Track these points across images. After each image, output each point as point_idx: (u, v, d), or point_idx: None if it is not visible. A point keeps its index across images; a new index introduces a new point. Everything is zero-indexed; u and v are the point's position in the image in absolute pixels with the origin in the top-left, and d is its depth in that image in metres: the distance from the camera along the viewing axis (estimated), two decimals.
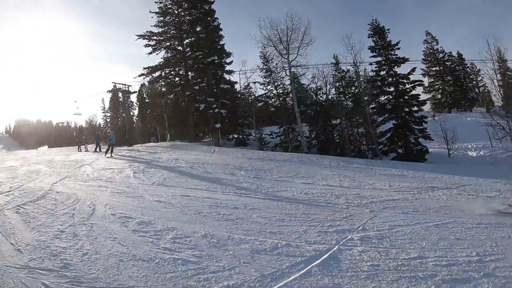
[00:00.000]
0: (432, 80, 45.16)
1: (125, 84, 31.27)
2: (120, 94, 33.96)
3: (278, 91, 27.52)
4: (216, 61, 25.56)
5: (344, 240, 5.09)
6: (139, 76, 29.28)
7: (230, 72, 28.94)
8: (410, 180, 10.43)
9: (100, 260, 4.43)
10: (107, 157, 17.00)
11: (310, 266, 4.25)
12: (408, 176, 11.51)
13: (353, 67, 26.14)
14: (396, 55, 25.58)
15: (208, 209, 7.16)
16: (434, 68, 44.87)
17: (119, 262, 4.36)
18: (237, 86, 29.18)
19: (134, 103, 49.69)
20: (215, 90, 25.25)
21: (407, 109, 24.09)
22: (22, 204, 7.56)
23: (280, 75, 27.49)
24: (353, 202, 7.68)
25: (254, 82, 28.39)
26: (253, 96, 27.92)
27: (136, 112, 50.98)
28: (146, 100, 44.08)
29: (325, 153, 23.36)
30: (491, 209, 6.54)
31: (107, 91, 33.44)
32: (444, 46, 47.26)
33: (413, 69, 25.38)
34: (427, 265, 4.11)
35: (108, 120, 59.59)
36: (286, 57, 25.69)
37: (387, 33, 25.71)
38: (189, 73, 28.26)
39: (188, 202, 7.79)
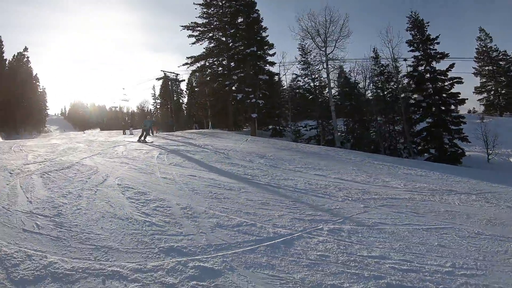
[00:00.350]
0: (485, 80, 41.31)
1: (173, 73, 32.65)
2: (169, 82, 35.28)
3: (315, 83, 27.01)
4: (255, 52, 25.61)
5: (312, 229, 5.08)
6: (183, 65, 30.34)
7: (272, 64, 29.09)
8: (430, 182, 10.00)
9: (87, 214, 5.25)
10: (140, 142, 16.52)
11: (259, 245, 4.43)
12: (431, 177, 10.97)
13: (390, 62, 25.01)
14: (435, 50, 24.07)
15: (204, 187, 7.56)
16: (486, 68, 41.09)
17: (101, 217, 5.15)
18: (277, 78, 29.00)
19: (184, 91, 51.34)
20: (253, 81, 25.38)
21: (443, 108, 22.76)
22: (48, 171, 8.57)
23: (317, 67, 26.95)
24: (353, 196, 7.57)
25: (292, 74, 28.21)
26: (289, 88, 27.61)
27: (186, 99, 52.66)
28: (196, 89, 45.40)
29: (358, 149, 22.62)
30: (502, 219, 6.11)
31: (156, 79, 34.89)
32: (499, 45, 42.85)
33: (452, 65, 23.76)
34: (381, 266, 3.92)
35: (158, 106, 62.17)
36: (323, 49, 25.03)
37: (426, 27, 24.31)
38: (230, 63, 28.64)
39: (190, 180, 8.25)
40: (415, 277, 3.68)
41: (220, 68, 30.61)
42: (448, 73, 23.58)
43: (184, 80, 38.26)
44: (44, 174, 8.19)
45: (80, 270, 3.50)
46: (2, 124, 41.23)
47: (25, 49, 49.54)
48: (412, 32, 24.54)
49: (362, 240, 4.90)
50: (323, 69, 26.20)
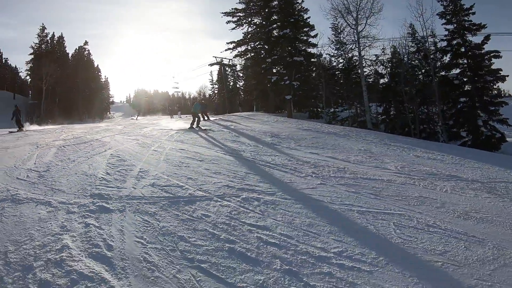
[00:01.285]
0: None
1: (226, 58, 34.24)
2: (216, 67, 36.32)
3: (347, 63, 26.00)
4: (287, 34, 25.33)
5: (230, 196, 5.72)
6: (225, 50, 31.13)
7: (314, 45, 28.63)
8: (438, 166, 9.12)
9: (66, 171, 7.01)
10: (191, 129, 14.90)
11: (165, 200, 5.43)
12: (445, 161, 10.02)
13: (424, 37, 22.64)
14: (470, 21, 21.18)
15: (179, 158, 8.42)
16: None
17: (73, 174, 6.80)
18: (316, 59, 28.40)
19: (239, 75, 52.06)
20: (288, 61, 25.21)
21: (479, 85, 19.90)
22: (66, 145, 10.16)
23: (350, 46, 25.83)
24: (322, 173, 7.55)
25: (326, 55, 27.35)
26: (323, 69, 26.85)
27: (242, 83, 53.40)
28: (240, 73, 45.99)
29: (390, 131, 21.47)
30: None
31: (209, 65, 35.99)
32: None
33: (487, 37, 20.50)
34: (250, 235, 4.32)
35: (216, 91, 64.10)
36: (354, 27, 23.87)
37: None
38: (265, 46, 28.71)
39: (175, 153, 9.13)
40: (274, 252, 3.87)
41: (262, 52, 30.69)
42: (484, 47, 20.57)
43: (235, 65, 38.84)
44: (61, 147, 9.72)
45: (29, 198, 5.39)
46: (67, 113, 46.31)
47: (85, 43, 54.95)
48: (444, 3, 21.75)
49: (266, 210, 5.13)
50: (356, 48, 24.85)
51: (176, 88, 40.10)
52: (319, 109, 28.20)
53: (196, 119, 14.95)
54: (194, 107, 16.14)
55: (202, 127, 14.43)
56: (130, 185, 6.02)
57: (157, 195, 5.54)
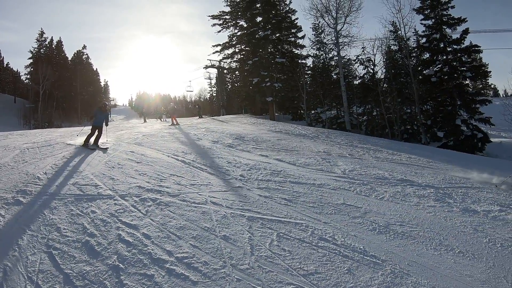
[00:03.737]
0: None
1: (221, 61, 33.95)
2: (208, 70, 36.38)
3: (327, 63, 25.69)
4: (268, 35, 25.18)
5: (126, 193, 5.92)
6: (213, 53, 31.13)
7: (302, 46, 28.48)
8: (393, 170, 8.73)
9: (13, 171, 7.50)
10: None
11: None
12: (406, 164, 9.71)
13: (403, 34, 22.21)
14: (450, 15, 20.48)
15: (123, 161, 8.59)
16: None
17: (17, 173, 7.32)
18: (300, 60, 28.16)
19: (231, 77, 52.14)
20: (270, 63, 25.05)
21: (457, 83, 19.22)
22: (31, 147, 10.51)
23: (330, 47, 25.55)
24: (251, 176, 7.50)
25: (306, 56, 27.09)
26: (303, 69, 26.58)
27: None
28: (227, 76, 45.89)
29: (370, 132, 21.08)
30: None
31: (204, 67, 36.10)
32: None
33: (466, 31, 19.77)
34: (110, 225, 4.79)
35: (214, 94, 64.25)
36: (333, 26, 23.59)
37: None
38: (246, 48, 28.65)
39: (124, 155, 9.27)
40: (121, 249, 4.14)
41: (242, 54, 30.70)
42: (463, 42, 20.00)
43: (227, 68, 38.77)
44: (25, 149, 9.94)
45: None
46: (66, 116, 46.93)
47: (84, 46, 55.72)
48: None
49: (152, 211, 5.28)
50: (336, 49, 24.53)
51: (191, 91, 39.96)
52: (301, 111, 27.84)
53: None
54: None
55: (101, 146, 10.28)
56: (56, 183, 6.41)
57: (70, 192, 5.94)
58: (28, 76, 48.78)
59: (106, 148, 9.87)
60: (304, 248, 4.17)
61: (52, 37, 51.09)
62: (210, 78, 47.60)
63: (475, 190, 7.15)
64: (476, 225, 5.20)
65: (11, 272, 3.74)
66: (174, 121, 18.39)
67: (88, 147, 9.78)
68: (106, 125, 10.75)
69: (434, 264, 4.02)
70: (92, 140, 10.10)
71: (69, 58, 52.51)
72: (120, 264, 3.83)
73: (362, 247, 4.20)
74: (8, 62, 57.06)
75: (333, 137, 14.96)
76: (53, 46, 50.66)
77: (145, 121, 24.31)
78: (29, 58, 48.80)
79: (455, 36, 20.46)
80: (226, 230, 4.66)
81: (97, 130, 10.30)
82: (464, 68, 19.86)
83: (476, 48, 20.25)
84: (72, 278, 3.62)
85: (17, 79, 54.45)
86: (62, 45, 51.64)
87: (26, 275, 3.69)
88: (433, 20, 20.88)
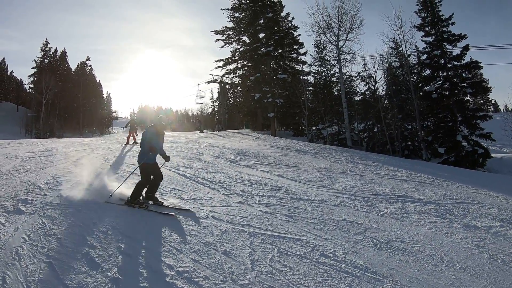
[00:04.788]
0: None
1: (224, 76, 34.26)
2: (210, 85, 36.58)
3: (328, 79, 25.94)
4: (270, 52, 25.48)
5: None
6: (215, 68, 31.58)
7: (303, 63, 28.71)
8: (394, 186, 8.68)
9: (14, 179, 7.69)
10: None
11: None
12: (407, 180, 9.68)
13: (404, 50, 22.43)
14: (450, 32, 20.72)
15: (124, 174, 8.69)
16: None
17: (18, 182, 7.49)
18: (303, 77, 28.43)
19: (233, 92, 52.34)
20: (272, 79, 25.27)
21: (457, 99, 19.30)
22: (32, 157, 10.67)
23: (331, 63, 25.85)
24: (250, 192, 7.51)
25: (308, 72, 27.37)
26: (304, 85, 26.77)
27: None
28: (229, 91, 46.03)
29: (371, 149, 21.11)
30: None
31: (206, 82, 36.07)
32: None
33: (466, 47, 19.84)
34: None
35: (216, 109, 64.47)
36: (335, 43, 23.90)
37: (438, 5, 21.00)
38: (249, 64, 28.96)
39: (125, 168, 9.59)
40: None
41: (245, 69, 31.00)
42: (463, 58, 20.13)
43: (229, 83, 38.97)
44: (26, 158, 10.16)
45: None
46: (68, 126, 47.08)
47: (88, 58, 56.53)
48: (422, 14, 21.40)
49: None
50: (337, 65, 24.79)
51: (202, 97, 39.17)
52: (303, 127, 27.93)
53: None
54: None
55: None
56: (57, 193, 6.58)
57: (67, 203, 6.10)
58: (32, 86, 49.09)
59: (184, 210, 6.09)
60: (305, 264, 4.13)
61: (56, 47, 51.83)
62: (211, 93, 47.67)
63: (476, 206, 7.13)
64: (477, 241, 5.16)
65: (10, 281, 3.75)
66: (131, 138, 14.96)
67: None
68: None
69: (435, 280, 3.99)
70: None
71: (73, 69, 52.88)
72: (120, 277, 3.82)
73: (363, 264, 4.17)
74: (12, 71, 57.62)
75: (334, 153, 14.98)
76: (57, 56, 51.25)
77: None
78: (33, 68, 49.37)
79: (456, 52, 20.69)
80: (227, 245, 4.64)
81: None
82: (465, 84, 19.93)
83: (476, 64, 20.41)
84: None
85: (20, 88, 54.78)
86: (66, 56, 52.27)
87: (25, 284, 3.70)
88: (433, 37, 21.10)
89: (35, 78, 47.87)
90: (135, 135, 15.03)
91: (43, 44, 50.17)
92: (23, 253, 4.28)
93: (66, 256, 4.20)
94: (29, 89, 51.53)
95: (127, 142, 14.63)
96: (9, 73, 55.85)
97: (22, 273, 3.87)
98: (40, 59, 49.53)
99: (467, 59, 20.73)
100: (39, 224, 5.10)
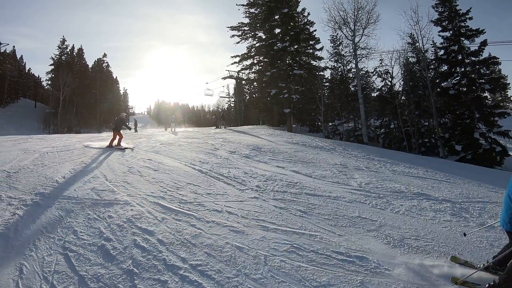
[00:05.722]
0: None
1: (239, 72, 34.61)
2: (222, 82, 36.70)
3: (345, 75, 25.58)
4: (286, 47, 25.28)
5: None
6: (231, 64, 31.77)
7: (320, 58, 28.52)
8: (409, 183, 8.59)
9: (32, 174, 7.74)
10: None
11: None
12: (423, 178, 9.46)
13: (421, 45, 21.81)
14: (467, 26, 20.08)
15: (141, 168, 8.84)
16: None
17: (36, 176, 7.56)
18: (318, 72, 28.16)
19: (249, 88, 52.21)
20: (288, 74, 25.13)
21: (474, 95, 18.66)
22: (50, 152, 10.91)
23: (347, 59, 25.49)
24: (267, 186, 7.49)
25: (324, 68, 27.05)
26: (320, 81, 26.49)
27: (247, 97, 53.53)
28: (245, 87, 46.02)
29: (387, 145, 20.78)
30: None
31: (222, 78, 36.19)
32: None
33: (484, 42, 19.18)
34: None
35: (232, 104, 64.55)
36: (351, 38, 23.53)
37: (455, 0, 20.35)
38: (265, 59, 28.84)
39: (141, 163, 9.55)
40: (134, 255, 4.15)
41: (261, 65, 30.93)
42: (481, 53, 19.49)
43: (246, 79, 38.95)
44: (44, 153, 10.29)
45: None
46: (85, 122, 47.89)
47: (104, 55, 56.67)
48: (439, 8, 20.83)
49: (164, 218, 5.37)
50: (353, 60, 24.43)
51: (210, 94, 39.24)
52: (319, 123, 27.68)
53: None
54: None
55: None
56: (74, 188, 6.63)
57: (88, 197, 6.15)
58: (49, 82, 50.00)
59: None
60: (317, 260, 4.12)
61: (73, 44, 52.49)
62: (227, 89, 47.80)
63: (492, 205, 6.96)
64: (492, 240, 5.00)
65: (27, 271, 3.84)
66: (114, 141, 12.46)
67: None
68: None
69: (449, 279, 3.88)
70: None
71: (90, 66, 53.61)
72: (134, 269, 3.86)
73: (376, 260, 4.13)
74: (29, 68, 58.87)
75: (350, 149, 14.83)
76: (74, 53, 51.99)
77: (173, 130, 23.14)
78: (51, 65, 50.09)
79: (473, 47, 20.13)
80: (240, 239, 4.65)
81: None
82: (483, 80, 19.42)
83: (494, 60, 19.89)
84: (86, 280, 3.68)
85: (38, 85, 55.87)
86: (83, 53, 53.03)
87: (42, 275, 3.78)
88: (451, 32, 20.62)
89: (53, 75, 48.63)
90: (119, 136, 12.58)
91: (60, 41, 50.89)
92: (40, 245, 4.36)
93: (82, 248, 4.27)
94: (46, 86, 52.53)
95: (117, 144, 12.33)
96: (27, 70, 56.91)
97: (39, 264, 3.95)
98: (57, 56, 50.31)
99: (485, 54, 20.31)
100: (56, 217, 5.19)
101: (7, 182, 6.89)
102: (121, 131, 12.74)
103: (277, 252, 4.32)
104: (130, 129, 13.00)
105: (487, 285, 3.64)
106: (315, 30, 28.92)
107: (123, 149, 11.46)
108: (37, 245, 4.35)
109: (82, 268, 3.85)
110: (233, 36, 31.50)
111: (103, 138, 15.10)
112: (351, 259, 4.22)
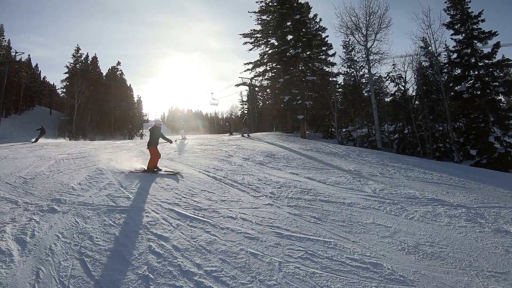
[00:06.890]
0: None
1: (250, 79, 35.16)
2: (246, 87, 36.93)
3: (358, 81, 25.41)
4: (298, 54, 25.30)
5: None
6: (244, 71, 32.00)
7: (332, 64, 28.49)
8: (424, 189, 8.54)
9: (48, 180, 7.89)
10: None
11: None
12: (437, 183, 9.34)
13: (434, 49, 21.40)
14: (480, 29, 19.59)
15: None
16: None
17: (52, 182, 7.71)
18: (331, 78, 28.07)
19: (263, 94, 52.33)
20: (301, 81, 25.11)
21: (489, 98, 18.14)
22: (65, 158, 11.22)
23: (360, 64, 25.32)
24: (279, 194, 7.50)
25: (337, 73, 26.93)
26: (334, 87, 26.36)
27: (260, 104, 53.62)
28: (258, 94, 46.12)
29: (401, 151, 20.52)
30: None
31: (235, 85, 36.33)
32: None
33: (497, 45, 18.64)
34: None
35: (246, 111, 64.74)
36: (363, 44, 23.39)
37: (467, 2, 19.86)
38: (277, 66, 28.88)
39: None
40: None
41: (274, 72, 31.03)
42: (495, 56, 18.98)
43: (259, 86, 39.08)
44: (59, 160, 10.56)
45: (4, 198, 6.53)
46: (100, 129, 48.63)
47: (118, 63, 57.34)
48: (451, 11, 20.40)
49: (179, 225, 5.39)
50: (366, 65, 24.28)
51: (215, 104, 39.68)
52: (332, 129, 27.53)
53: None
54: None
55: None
56: (89, 194, 6.71)
57: (103, 203, 6.20)
58: (64, 90, 51.03)
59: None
60: (332, 266, 4.11)
61: (87, 53, 53.58)
62: (241, 95, 47.88)
63: (508, 210, 6.81)
64: (508, 246, 4.92)
65: (44, 276, 3.89)
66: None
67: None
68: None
69: (463, 286, 3.84)
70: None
71: (104, 74, 54.55)
72: (150, 274, 3.88)
73: (390, 267, 4.10)
74: (45, 76, 60.26)
75: (364, 155, 14.69)
76: (89, 62, 53.03)
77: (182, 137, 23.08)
78: (65, 73, 51.07)
79: (486, 50, 19.61)
80: (255, 246, 4.64)
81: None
82: (497, 83, 18.85)
83: (508, 62, 19.26)
84: (102, 284, 3.71)
85: (53, 93, 57.07)
86: (97, 61, 53.99)
87: (58, 279, 3.83)
88: (463, 35, 20.12)
89: (67, 83, 49.67)
90: None
91: (75, 50, 51.97)
92: (57, 250, 4.42)
93: (98, 254, 4.31)
94: (61, 93, 53.64)
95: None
96: (42, 78, 58.25)
97: (55, 269, 4.00)
98: (72, 64, 51.37)
99: (498, 57, 19.80)
100: (72, 223, 5.25)
101: (24, 188, 7.06)
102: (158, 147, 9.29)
103: (292, 258, 4.29)
104: (171, 142, 10.98)
105: None
106: (327, 36, 28.99)
107: (172, 173, 8.87)
108: (54, 250, 4.40)
109: (98, 273, 3.88)
110: (245, 43, 31.68)
111: (118, 146, 15.29)
112: (365, 265, 4.19)
